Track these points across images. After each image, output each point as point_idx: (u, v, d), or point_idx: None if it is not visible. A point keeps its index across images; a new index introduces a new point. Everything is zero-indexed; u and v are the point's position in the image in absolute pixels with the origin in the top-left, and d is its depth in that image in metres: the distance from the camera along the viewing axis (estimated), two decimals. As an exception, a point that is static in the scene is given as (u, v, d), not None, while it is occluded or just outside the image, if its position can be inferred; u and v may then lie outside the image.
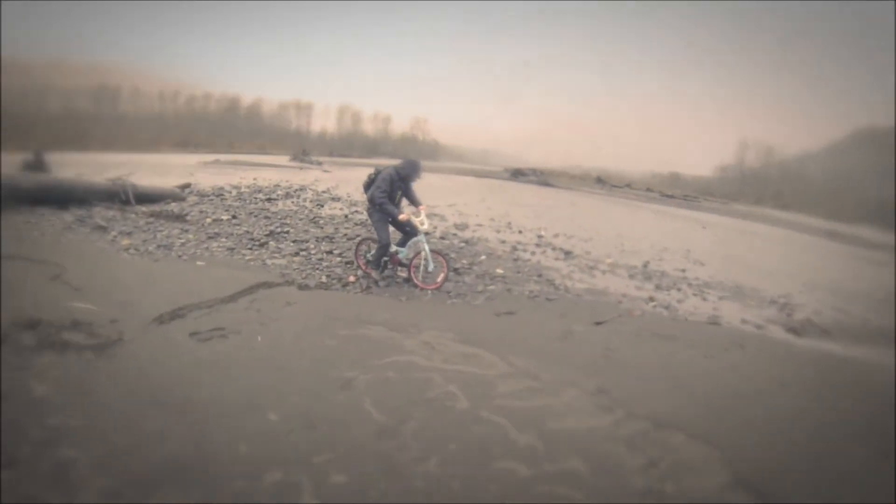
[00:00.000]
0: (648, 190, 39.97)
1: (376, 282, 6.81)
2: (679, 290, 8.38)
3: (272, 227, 9.16)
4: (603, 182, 41.69)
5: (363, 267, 7.11)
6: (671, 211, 25.34)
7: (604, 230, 13.73)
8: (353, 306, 5.54)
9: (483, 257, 8.68)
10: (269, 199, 12.57)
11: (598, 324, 6.00)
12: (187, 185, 13.47)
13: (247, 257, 7.45)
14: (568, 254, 9.90)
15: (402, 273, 7.07)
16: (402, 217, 6.66)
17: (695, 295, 8.23)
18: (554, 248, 10.31)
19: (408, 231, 6.99)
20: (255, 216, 10.10)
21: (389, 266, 7.05)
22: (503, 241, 10.35)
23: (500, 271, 7.88)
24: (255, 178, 16.73)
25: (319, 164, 28.98)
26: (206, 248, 7.75)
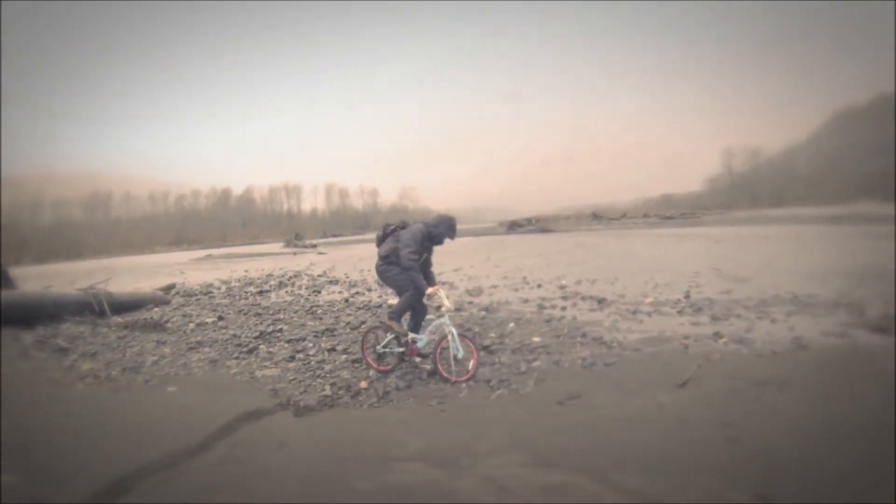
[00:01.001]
0: (645, 216, 39.82)
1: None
2: (738, 316, 7.26)
3: (263, 327, 8.00)
4: (599, 217, 41.61)
5: (373, 364, 5.81)
6: (676, 232, 24.73)
7: (624, 267, 13.01)
8: (371, 431, 4.10)
9: (511, 325, 7.48)
10: (260, 292, 11.83)
11: (682, 385, 4.70)
12: (172, 287, 12.74)
13: (232, 370, 6.10)
14: (601, 301, 8.78)
15: (425, 364, 5.76)
16: (430, 290, 5.48)
17: (759, 318, 7.11)
18: (584, 298, 9.28)
19: (419, 311, 5.81)
20: (245, 314, 9.10)
21: (405, 357, 5.77)
22: (526, 301, 9.28)
23: (536, 339, 6.61)
24: (246, 271, 16.58)
25: (314, 246, 28.84)
26: (184, 365, 6.44)
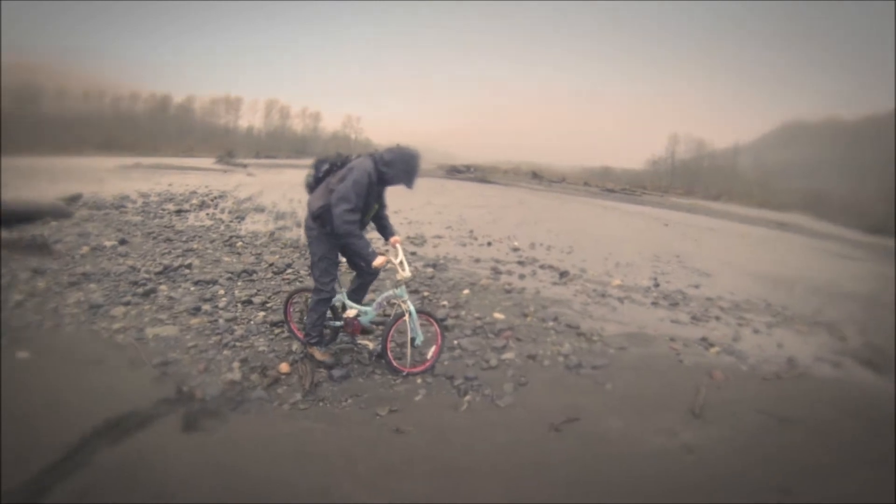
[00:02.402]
0: (586, 184, 39.59)
1: (329, 368, 3.96)
2: (718, 318, 6.60)
3: (170, 259, 6.44)
4: (539, 177, 40.94)
5: (300, 336, 4.31)
6: (619, 206, 24.35)
7: (578, 237, 12.30)
8: (288, 470, 2.74)
9: (466, 291, 6.31)
10: (179, 212, 10.22)
11: (697, 415, 3.73)
12: (77, 197, 10.62)
13: (115, 324, 4.45)
14: (564, 275, 7.77)
15: (367, 341, 4.41)
16: (377, 262, 3.76)
17: (740, 325, 6.47)
18: (542, 267, 8.26)
19: (367, 272, 4.21)
20: (155, 238, 7.69)
21: (344, 333, 4.29)
22: (477, 261, 8.18)
23: (499, 316, 5.46)
24: (170, 184, 14.68)
25: (245, 166, 26.53)
26: (55, 310, 4.66)
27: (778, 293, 8.67)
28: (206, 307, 4.96)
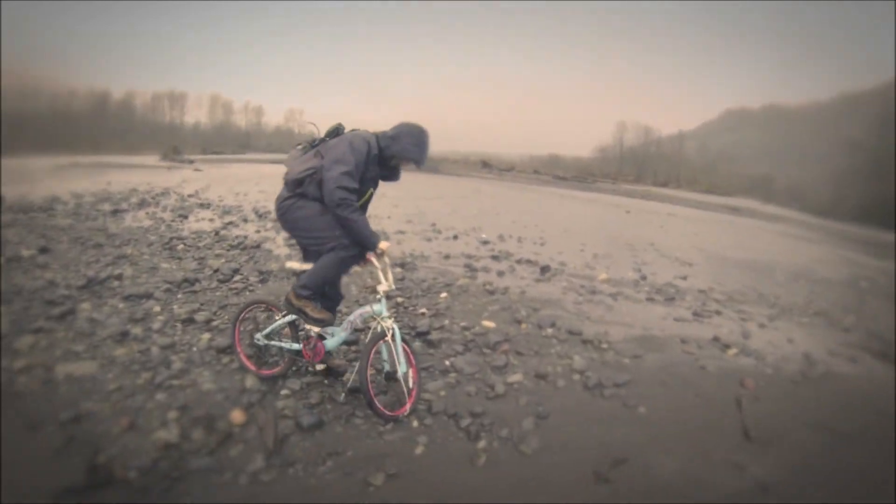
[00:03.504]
0: (536, 172, 39.46)
1: (292, 403, 3.04)
2: (720, 314, 6.13)
3: (97, 269, 5.36)
4: (489, 167, 40.54)
5: (248, 364, 3.36)
6: (576, 195, 24.25)
7: (544, 227, 12.02)
8: None
9: (444, 295, 5.52)
10: (115, 212, 9.07)
11: (751, 438, 3.12)
12: None
13: (17, 362, 3.26)
14: (545, 270, 7.19)
15: (335, 363, 3.50)
16: (382, 245, 3.11)
17: (744, 319, 6.07)
18: (520, 262, 7.68)
19: (333, 294, 3.40)
20: (83, 243, 6.58)
21: (301, 361, 3.32)
22: (447, 257, 7.53)
23: (489, 325, 4.68)
24: (109, 183, 13.41)
25: (191, 162, 25.24)
26: None
27: (763, 281, 8.53)
28: (137, 331, 3.88)
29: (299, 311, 3.15)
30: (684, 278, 7.71)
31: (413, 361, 3.26)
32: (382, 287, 3.11)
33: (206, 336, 3.89)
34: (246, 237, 7.50)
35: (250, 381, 3.22)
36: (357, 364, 3.18)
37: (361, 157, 2.99)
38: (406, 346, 3.26)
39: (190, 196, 11.86)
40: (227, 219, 9.06)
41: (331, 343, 3.19)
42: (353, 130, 3.19)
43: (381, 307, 3.14)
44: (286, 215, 3.13)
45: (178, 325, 4.10)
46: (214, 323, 4.18)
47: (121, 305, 4.43)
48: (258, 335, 3.35)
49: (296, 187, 3.07)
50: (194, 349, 3.68)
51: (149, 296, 4.67)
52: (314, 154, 3.09)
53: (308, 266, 3.19)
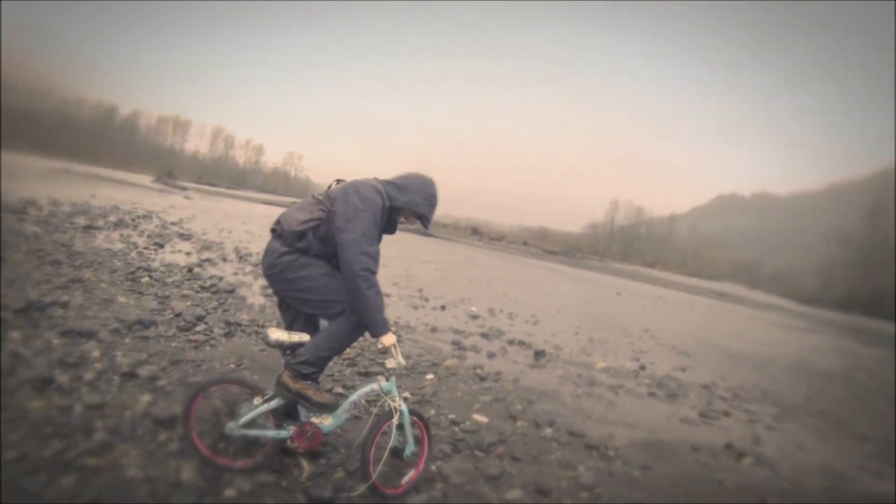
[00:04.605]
0: (525, 244, 39.59)
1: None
2: (728, 415, 5.68)
3: (41, 291, 4.72)
4: (479, 234, 40.68)
5: (209, 455, 2.59)
6: (565, 270, 24.13)
7: (536, 303, 11.75)
8: None
9: (430, 376, 4.95)
10: (88, 228, 8.59)
11: None
12: None
13: None
14: (539, 355, 6.72)
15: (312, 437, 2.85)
16: (386, 340, 2.63)
17: (751, 421, 5.67)
18: (512, 343, 7.20)
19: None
20: (40, 258, 5.97)
21: (290, 445, 2.63)
22: (434, 330, 7.07)
23: (481, 419, 4.10)
24: (93, 195, 13.45)
25: (184, 189, 25.15)
26: None
27: (762, 376, 8.26)
28: (64, 379, 3.16)
29: (298, 396, 2.57)
30: (683, 370, 7.31)
31: (426, 436, 2.93)
32: (391, 363, 2.65)
33: (146, 399, 3.16)
34: (221, 279, 6.94)
35: (188, 474, 2.55)
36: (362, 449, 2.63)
37: (378, 210, 2.58)
38: (419, 420, 2.90)
39: (172, 224, 11.47)
40: (206, 255, 8.57)
41: (328, 427, 2.65)
42: (359, 183, 2.71)
43: (390, 385, 2.73)
44: (285, 273, 2.61)
45: (116, 378, 3.35)
46: (160, 382, 3.45)
47: (55, 341, 3.70)
48: (231, 424, 2.58)
49: (296, 241, 2.60)
50: (127, 415, 2.97)
51: (92, 335, 3.94)
52: (314, 202, 2.65)
53: (302, 336, 2.64)
